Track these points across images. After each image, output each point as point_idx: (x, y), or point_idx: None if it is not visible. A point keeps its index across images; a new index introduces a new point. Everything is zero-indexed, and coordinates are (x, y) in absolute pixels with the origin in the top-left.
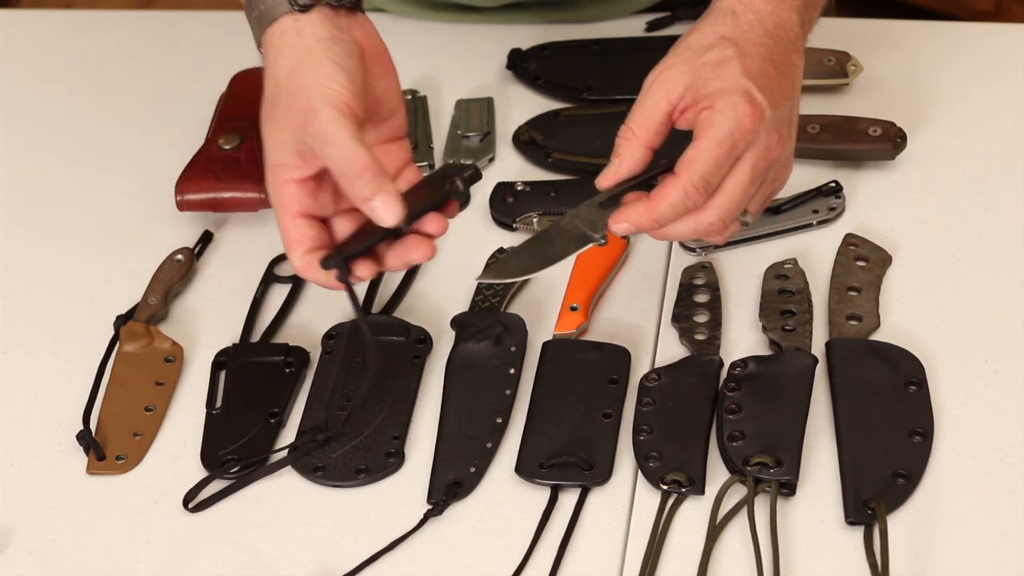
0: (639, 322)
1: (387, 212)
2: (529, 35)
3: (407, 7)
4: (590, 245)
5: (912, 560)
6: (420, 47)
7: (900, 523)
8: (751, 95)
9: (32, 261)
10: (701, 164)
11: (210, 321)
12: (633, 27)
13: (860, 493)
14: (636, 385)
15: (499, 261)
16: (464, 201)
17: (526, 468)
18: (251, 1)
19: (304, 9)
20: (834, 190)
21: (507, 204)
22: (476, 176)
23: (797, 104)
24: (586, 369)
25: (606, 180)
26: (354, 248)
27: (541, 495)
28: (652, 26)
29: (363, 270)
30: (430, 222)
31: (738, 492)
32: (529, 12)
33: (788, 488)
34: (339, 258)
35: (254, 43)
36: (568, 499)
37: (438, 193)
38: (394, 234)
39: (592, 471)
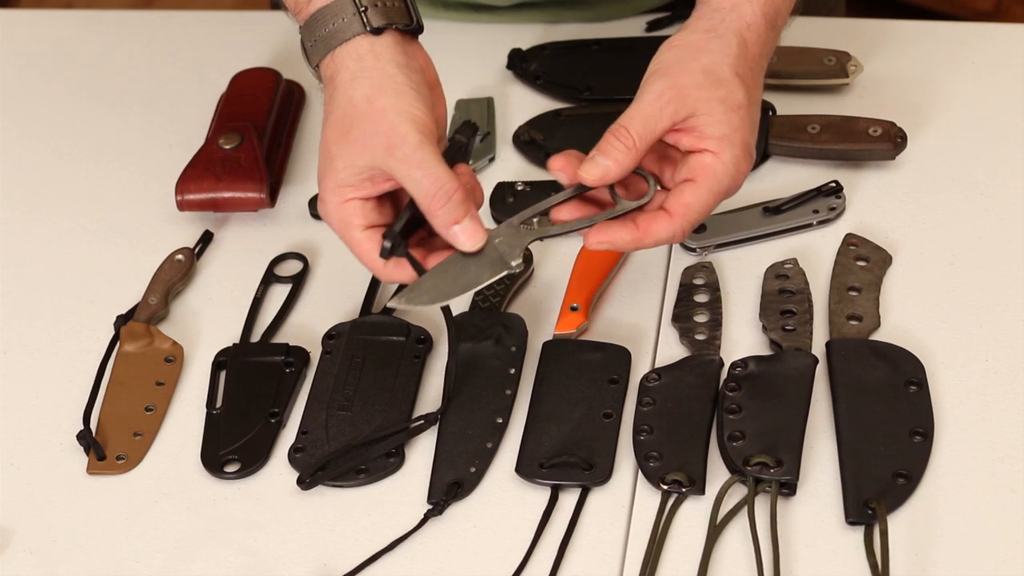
0: (639, 322)
1: (469, 238)
2: (529, 35)
3: (419, 6)
4: (505, 273)
5: (912, 560)
6: None
7: (900, 523)
8: (749, 149)
9: (32, 261)
10: (696, 212)
11: (210, 321)
12: (633, 27)
13: (860, 493)
14: (636, 385)
15: (413, 285)
16: (466, 155)
17: (526, 468)
18: (317, 18)
19: (377, 32)
20: (834, 190)
21: (507, 204)
22: (470, 126)
23: None
24: (586, 369)
25: (591, 177)
26: (397, 224)
27: (541, 495)
28: (652, 26)
29: (407, 271)
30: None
31: (738, 492)
32: (541, 11)
33: (788, 488)
34: (393, 235)
35: (307, 37)
36: (568, 499)
37: (446, 150)
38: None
39: (592, 471)
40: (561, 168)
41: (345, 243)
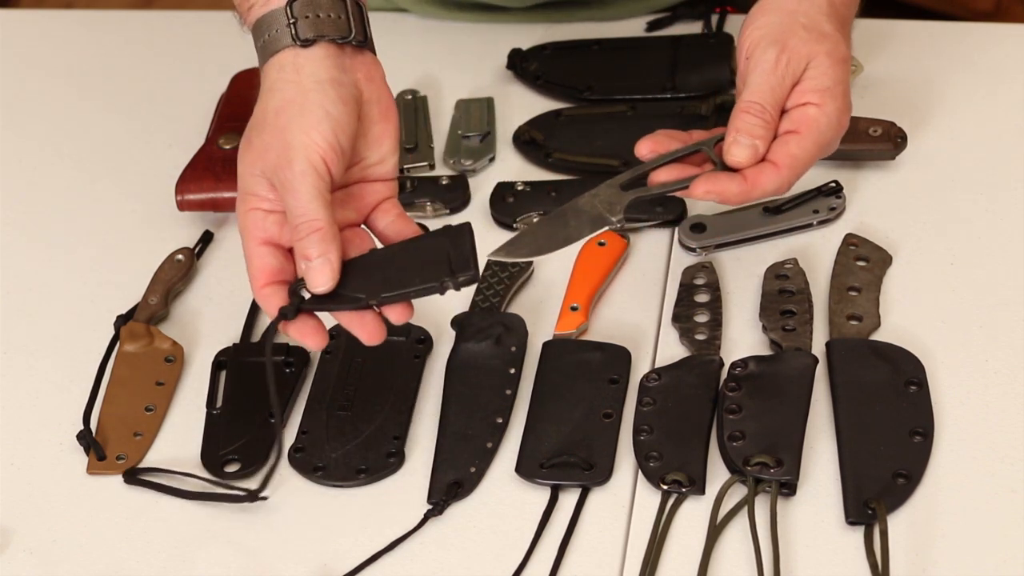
0: (639, 322)
1: (320, 278)
2: (529, 35)
3: (432, 7)
4: (606, 229)
5: (912, 560)
6: (420, 47)
7: (900, 523)
8: (850, 105)
9: (32, 261)
10: (803, 164)
11: (210, 321)
12: (633, 27)
13: (860, 493)
14: (636, 385)
15: (512, 240)
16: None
17: (526, 468)
18: (257, 29)
19: (306, 44)
20: (834, 190)
21: (507, 204)
22: (473, 280)
23: None
24: (586, 369)
25: (743, 159)
26: (316, 307)
27: (541, 495)
28: (652, 26)
29: (309, 336)
30: (396, 310)
31: (738, 492)
32: (556, 11)
33: (788, 488)
34: (293, 308)
35: (254, 47)
36: (568, 499)
37: (423, 284)
38: (361, 307)
39: (592, 471)
40: (652, 150)
41: (244, 252)
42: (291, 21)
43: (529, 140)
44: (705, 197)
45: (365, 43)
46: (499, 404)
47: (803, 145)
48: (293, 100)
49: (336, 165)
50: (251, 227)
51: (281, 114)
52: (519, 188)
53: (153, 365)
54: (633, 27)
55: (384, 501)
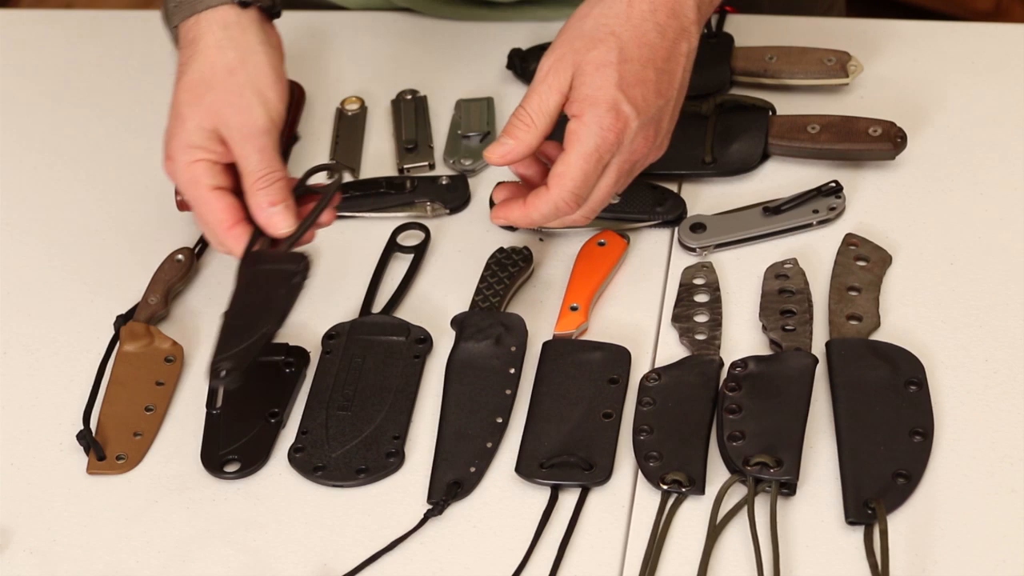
0: (639, 322)
1: (284, 223)
2: (529, 35)
3: (421, 3)
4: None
5: (912, 560)
6: (420, 47)
7: (900, 523)
8: (618, 108)
9: (32, 261)
10: (570, 180)
11: (210, 321)
12: None
13: (860, 493)
14: (636, 385)
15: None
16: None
17: (526, 468)
18: None
19: (244, 6)
20: (834, 190)
21: None
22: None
23: (680, 94)
24: (586, 369)
25: (493, 156)
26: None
27: (541, 495)
28: None
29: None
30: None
31: (738, 492)
32: (544, 7)
33: (788, 488)
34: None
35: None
36: (568, 499)
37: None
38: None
39: (592, 471)
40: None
41: (191, 201)
42: None
43: None
44: (500, 223)
45: (278, 15)
46: (499, 404)
47: (566, 161)
48: (246, 60)
49: (283, 123)
50: (201, 176)
51: (237, 72)
52: None
53: (153, 365)
54: None
55: (384, 501)
